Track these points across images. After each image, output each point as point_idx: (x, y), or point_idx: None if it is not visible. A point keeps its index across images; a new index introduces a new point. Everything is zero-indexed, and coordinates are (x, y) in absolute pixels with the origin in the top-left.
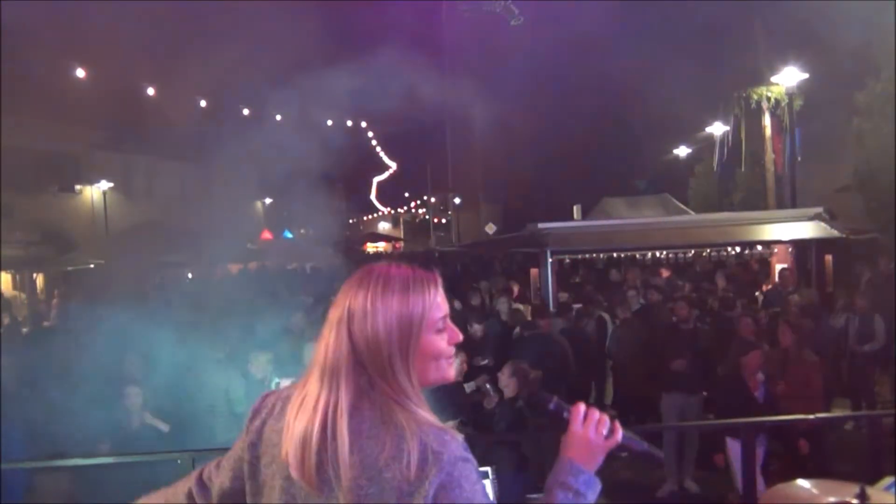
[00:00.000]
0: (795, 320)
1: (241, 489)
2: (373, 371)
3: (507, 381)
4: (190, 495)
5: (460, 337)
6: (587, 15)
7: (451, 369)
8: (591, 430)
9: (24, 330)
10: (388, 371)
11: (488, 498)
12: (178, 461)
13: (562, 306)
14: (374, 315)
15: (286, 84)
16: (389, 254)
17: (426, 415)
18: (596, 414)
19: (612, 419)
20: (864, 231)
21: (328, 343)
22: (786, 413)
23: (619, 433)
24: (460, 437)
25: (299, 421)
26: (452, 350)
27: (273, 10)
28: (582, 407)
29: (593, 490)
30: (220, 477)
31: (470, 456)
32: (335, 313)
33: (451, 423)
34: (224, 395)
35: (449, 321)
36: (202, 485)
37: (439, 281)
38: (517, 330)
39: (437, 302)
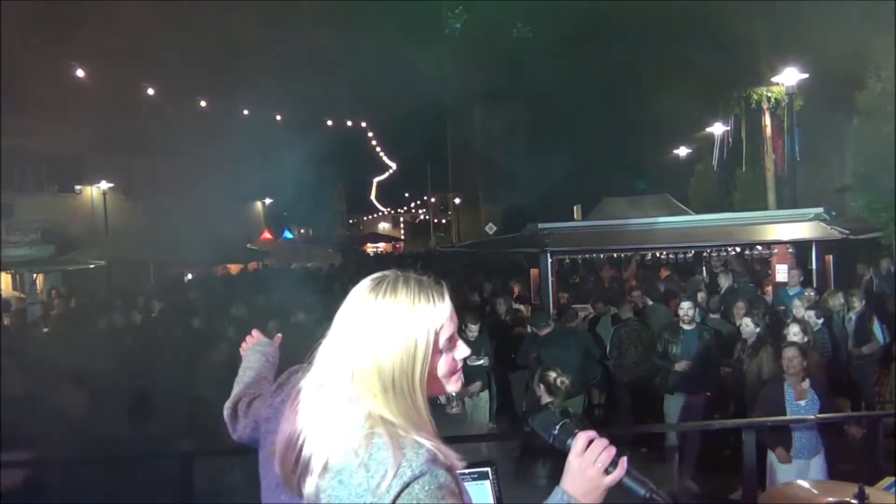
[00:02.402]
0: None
1: (256, 441)
2: (372, 390)
3: (536, 387)
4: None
5: (467, 351)
6: (588, 15)
7: (456, 383)
8: (589, 461)
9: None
10: (389, 392)
11: None
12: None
13: (562, 307)
14: (378, 333)
15: (286, 83)
16: (399, 255)
17: (416, 432)
18: (601, 446)
19: (619, 455)
20: (864, 231)
21: (329, 350)
22: None
23: (621, 470)
24: (442, 451)
25: (289, 420)
26: (459, 364)
27: (272, 8)
28: (586, 435)
29: None
30: (244, 421)
31: (438, 470)
32: (339, 320)
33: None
34: None
35: (457, 337)
36: (234, 414)
37: (446, 295)
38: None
39: (447, 320)
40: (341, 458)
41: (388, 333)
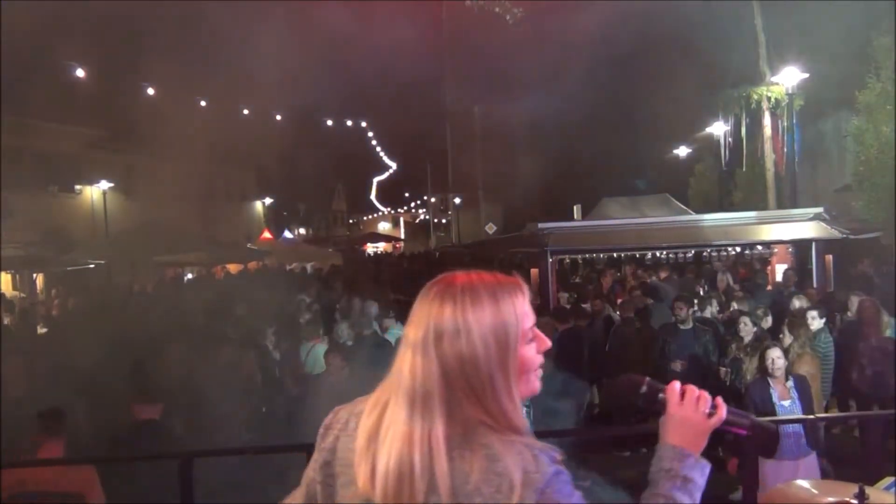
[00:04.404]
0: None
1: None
2: (468, 395)
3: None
4: None
5: (549, 343)
6: (588, 15)
7: (538, 381)
8: (691, 408)
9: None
10: (487, 392)
11: None
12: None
13: (575, 306)
14: (467, 332)
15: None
16: (399, 255)
17: (519, 434)
18: (695, 391)
19: (712, 396)
20: (864, 231)
21: (414, 366)
22: None
23: (724, 409)
24: (554, 451)
25: (391, 452)
26: (542, 360)
27: (272, 9)
28: (677, 385)
29: (702, 473)
30: (293, 498)
31: (562, 469)
32: (416, 332)
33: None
34: None
35: (537, 329)
36: None
37: (525, 287)
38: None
39: (526, 310)
40: (459, 483)
41: (476, 331)
